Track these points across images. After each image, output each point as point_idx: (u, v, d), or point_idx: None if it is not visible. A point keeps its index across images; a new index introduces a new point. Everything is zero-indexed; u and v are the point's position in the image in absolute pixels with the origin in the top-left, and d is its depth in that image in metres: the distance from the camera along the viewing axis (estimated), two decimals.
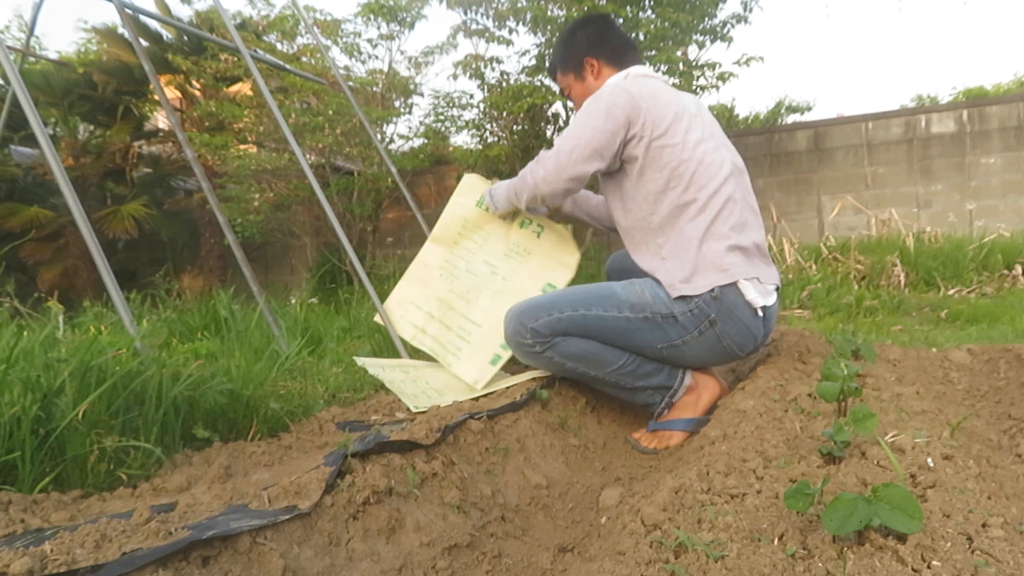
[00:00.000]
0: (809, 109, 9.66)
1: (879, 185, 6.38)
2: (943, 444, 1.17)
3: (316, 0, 10.05)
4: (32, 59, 6.91)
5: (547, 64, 4.62)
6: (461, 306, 2.24)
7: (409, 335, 2.31)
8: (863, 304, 3.72)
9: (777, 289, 1.93)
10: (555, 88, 5.57)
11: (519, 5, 5.34)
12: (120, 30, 7.01)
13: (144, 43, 6.02)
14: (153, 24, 6.98)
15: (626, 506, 1.37)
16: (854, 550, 0.84)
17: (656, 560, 0.88)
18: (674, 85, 2.43)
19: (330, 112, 5.95)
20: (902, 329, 3.11)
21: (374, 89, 6.36)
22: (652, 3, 5.31)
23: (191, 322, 2.69)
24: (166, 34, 7.08)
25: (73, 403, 1.28)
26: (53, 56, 8.62)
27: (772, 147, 6.65)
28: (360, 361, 2.23)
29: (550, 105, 5.72)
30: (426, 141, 6.47)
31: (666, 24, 5.18)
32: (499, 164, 5.76)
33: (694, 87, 5.59)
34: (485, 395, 1.92)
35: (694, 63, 5.76)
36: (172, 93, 7.18)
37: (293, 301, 4.48)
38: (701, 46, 5.77)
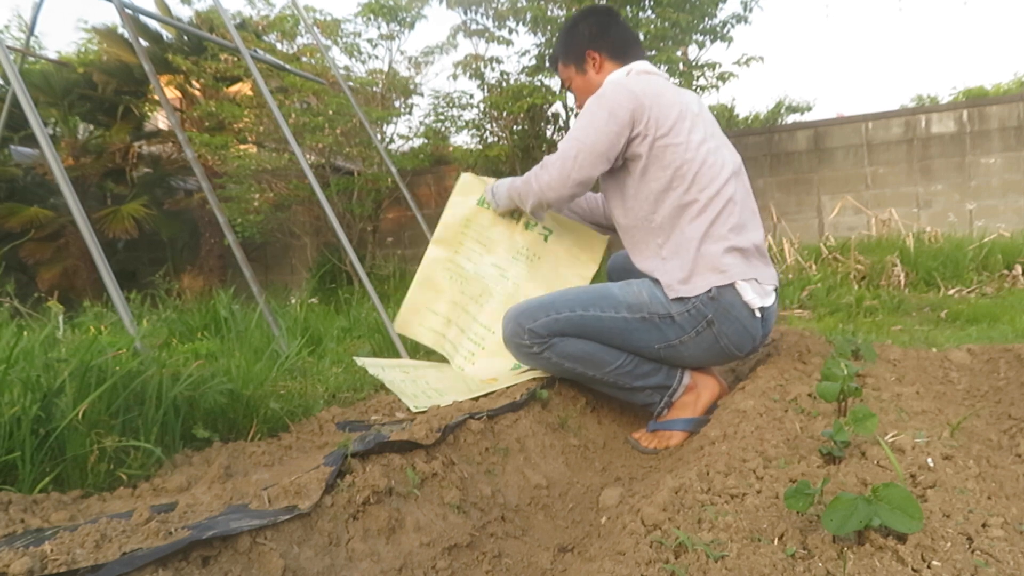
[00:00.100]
0: (809, 109, 9.70)
1: (879, 185, 6.38)
2: (943, 444, 1.17)
3: (316, 0, 10.07)
4: (32, 59, 6.90)
5: (548, 58, 4.61)
6: (473, 309, 2.24)
7: (430, 341, 2.31)
8: (863, 304, 3.71)
9: (776, 290, 1.93)
10: (555, 87, 5.58)
11: (519, 5, 5.35)
12: (120, 30, 7.01)
13: (144, 43, 6.02)
14: (153, 24, 6.98)
15: (626, 506, 1.37)
16: (854, 550, 0.84)
17: (656, 560, 0.88)
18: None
19: (330, 112, 5.95)
20: (902, 329, 3.11)
21: (374, 89, 6.36)
22: (652, 3, 5.31)
23: (191, 322, 2.69)
24: (166, 34, 7.08)
25: (73, 403, 1.28)
26: (53, 56, 8.60)
27: (772, 147, 6.65)
28: (360, 361, 2.23)
29: (550, 105, 5.73)
30: (426, 141, 6.47)
31: (666, 24, 5.18)
32: (499, 164, 5.76)
33: (694, 87, 5.59)
34: (485, 395, 1.92)
35: (694, 63, 5.77)
36: (172, 93, 7.18)
37: (293, 301, 4.47)
38: (701, 46, 5.78)
